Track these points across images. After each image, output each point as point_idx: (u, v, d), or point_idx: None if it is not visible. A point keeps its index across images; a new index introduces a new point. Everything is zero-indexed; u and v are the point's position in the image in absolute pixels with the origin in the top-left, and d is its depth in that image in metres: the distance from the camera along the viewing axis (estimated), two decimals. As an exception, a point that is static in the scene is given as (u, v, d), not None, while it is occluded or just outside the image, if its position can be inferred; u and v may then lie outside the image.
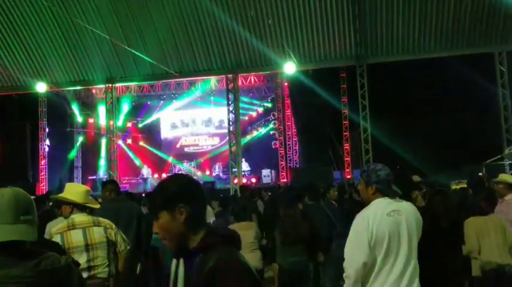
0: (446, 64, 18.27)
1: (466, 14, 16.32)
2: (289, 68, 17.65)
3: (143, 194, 11.55)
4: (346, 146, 21.06)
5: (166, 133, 27.12)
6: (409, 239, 3.25)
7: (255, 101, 25.25)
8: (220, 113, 24.90)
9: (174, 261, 2.09)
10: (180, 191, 2.02)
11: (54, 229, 4.47)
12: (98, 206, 4.69)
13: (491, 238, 5.27)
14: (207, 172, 24.94)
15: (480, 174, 12.73)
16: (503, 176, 6.36)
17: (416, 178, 8.10)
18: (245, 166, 22.18)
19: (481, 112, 19.31)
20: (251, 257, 5.82)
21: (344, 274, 3.29)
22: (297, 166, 23.69)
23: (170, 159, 26.14)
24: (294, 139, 24.45)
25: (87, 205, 4.50)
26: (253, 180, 22.01)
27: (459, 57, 17.53)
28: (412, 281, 3.23)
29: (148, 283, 7.13)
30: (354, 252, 3.22)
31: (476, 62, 17.55)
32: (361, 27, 16.95)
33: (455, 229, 5.10)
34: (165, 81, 22.53)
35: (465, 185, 9.32)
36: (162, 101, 26.16)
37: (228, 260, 1.89)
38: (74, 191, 4.53)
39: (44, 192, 19.26)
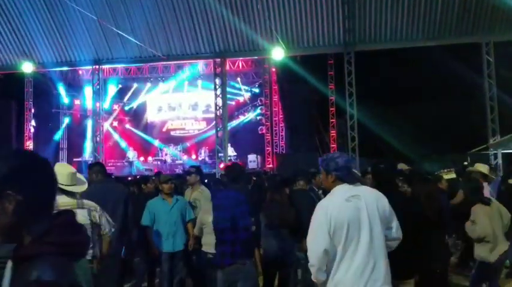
0: (434, 53, 18.36)
1: (455, 3, 16.39)
2: (277, 53, 17.60)
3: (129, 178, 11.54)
4: (333, 132, 21.15)
5: (152, 116, 26.99)
6: (371, 224, 3.26)
7: (242, 86, 25.18)
8: (207, 98, 24.86)
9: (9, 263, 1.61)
10: (10, 175, 1.54)
11: None
12: (81, 189, 4.59)
13: (498, 223, 5.54)
14: (193, 156, 24.92)
15: (465, 163, 12.86)
16: (478, 166, 6.51)
17: (402, 166, 8.22)
18: (231, 151, 22.20)
19: (467, 102, 19.48)
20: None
21: (308, 263, 3.33)
22: (283, 151, 23.76)
23: (156, 142, 26.07)
24: (281, 125, 24.49)
25: (69, 189, 4.45)
26: (240, 165, 22.03)
27: (446, 47, 17.62)
28: (377, 266, 3.24)
29: (132, 264, 7.19)
30: (315, 241, 3.26)
31: (463, 51, 17.67)
32: (349, 14, 16.95)
33: (439, 215, 5.19)
34: (152, 64, 22.35)
35: (454, 174, 9.41)
36: (149, 84, 25.99)
37: (46, 283, 1.41)
38: (60, 172, 4.51)
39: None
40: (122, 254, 6.43)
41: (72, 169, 4.65)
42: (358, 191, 3.35)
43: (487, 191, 6.04)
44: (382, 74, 20.95)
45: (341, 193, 3.34)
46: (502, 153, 15.49)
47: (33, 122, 22.82)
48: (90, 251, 4.47)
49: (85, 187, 4.64)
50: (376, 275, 3.22)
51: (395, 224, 3.44)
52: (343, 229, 3.21)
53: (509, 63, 18.58)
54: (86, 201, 4.60)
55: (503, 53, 17.28)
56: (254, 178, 11.71)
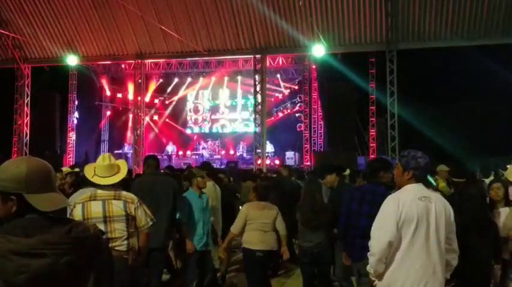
0: (477, 52, 17.90)
1: (502, 3, 15.92)
2: (318, 50, 17.49)
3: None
4: (372, 131, 20.89)
5: (192, 111, 27.26)
6: (437, 227, 3.28)
7: (282, 83, 25.14)
8: (246, 94, 24.98)
9: None
10: None
11: (78, 199, 4.60)
12: (114, 181, 4.60)
13: None
14: (231, 151, 25.07)
15: (508, 166, 12.48)
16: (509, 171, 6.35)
17: (443, 167, 8.07)
18: (269, 147, 22.23)
19: (510, 102, 18.92)
20: (261, 238, 5.82)
21: (369, 252, 3.36)
22: (321, 149, 23.63)
23: (195, 137, 26.35)
24: (320, 123, 24.33)
25: (102, 182, 4.53)
26: (277, 161, 22.05)
27: (491, 46, 17.15)
28: (437, 270, 3.27)
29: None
30: (381, 231, 3.28)
31: (507, 51, 17.18)
32: (392, 12, 16.69)
33: (487, 217, 5.07)
34: (193, 59, 22.58)
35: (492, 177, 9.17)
36: (189, 79, 26.25)
37: None
38: (98, 164, 4.61)
39: (71, 164, 19.66)
40: (170, 248, 6.42)
41: (111, 160, 4.68)
42: (430, 194, 3.38)
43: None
44: (424, 73, 20.58)
45: (414, 190, 3.36)
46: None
47: (76, 114, 23.44)
48: (125, 243, 4.49)
49: (118, 178, 4.65)
50: (434, 279, 3.25)
51: (453, 236, 3.45)
52: (412, 224, 3.24)
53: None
54: (124, 193, 4.65)
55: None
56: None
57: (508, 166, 7.11)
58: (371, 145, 20.80)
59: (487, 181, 7.96)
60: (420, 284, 3.22)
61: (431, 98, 20.40)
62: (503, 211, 5.43)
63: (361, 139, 21.29)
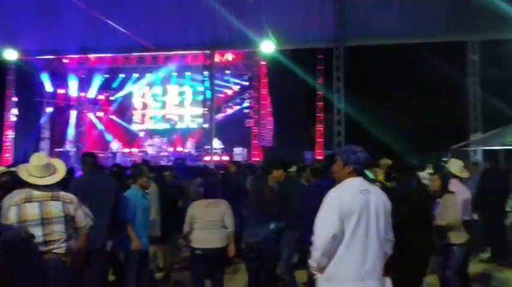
0: (421, 50, 18.42)
1: (443, 2, 16.41)
2: (267, 47, 17.52)
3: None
4: (319, 127, 21.16)
5: (138, 107, 26.73)
6: (377, 219, 3.38)
7: (231, 79, 25.04)
8: (195, 89, 24.73)
9: None
10: None
11: (13, 200, 4.38)
12: (52, 181, 4.42)
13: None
14: (179, 148, 24.75)
15: (445, 159, 12.90)
16: (450, 164, 6.60)
17: (386, 161, 8.19)
18: (217, 144, 22.09)
19: (451, 99, 19.58)
20: (205, 236, 5.79)
21: (313, 247, 3.36)
22: (270, 145, 23.72)
23: (141, 134, 25.85)
24: (269, 118, 24.43)
25: (38, 182, 4.34)
26: (226, 158, 21.96)
27: (433, 45, 17.69)
28: (377, 261, 3.36)
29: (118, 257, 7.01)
30: (324, 225, 3.30)
31: (449, 49, 17.77)
32: (340, 9, 16.91)
33: (421, 208, 5.18)
34: (140, 54, 22.14)
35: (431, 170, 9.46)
36: (136, 74, 25.71)
37: None
38: (33, 164, 4.41)
39: (9, 163, 18.85)
40: (109, 247, 6.23)
41: (47, 160, 4.49)
42: (369, 187, 3.49)
43: (457, 187, 6.11)
44: (371, 70, 21.00)
45: (355, 184, 3.44)
46: (482, 150, 15.60)
47: (15, 111, 22.45)
48: (64, 245, 4.31)
49: (57, 178, 4.48)
50: (374, 270, 3.33)
51: (389, 226, 3.55)
52: (354, 217, 3.30)
53: (494, 63, 18.73)
54: (62, 193, 4.46)
55: (488, 52, 17.40)
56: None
57: (446, 159, 7.34)
58: (318, 140, 21.06)
59: (425, 173, 8.21)
60: (360, 276, 3.28)
61: (377, 94, 20.86)
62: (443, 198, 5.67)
63: (309, 134, 21.53)
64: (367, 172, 3.58)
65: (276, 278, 6.17)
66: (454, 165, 6.58)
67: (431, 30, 17.06)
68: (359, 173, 3.49)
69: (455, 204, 5.73)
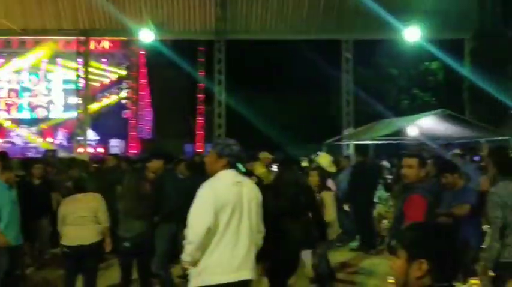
0: (300, 47, 19.07)
1: (321, 1, 17.08)
2: (146, 36, 16.96)
3: None
4: (200, 119, 21.08)
5: (4, 95, 24.64)
6: (249, 211, 3.43)
7: (108, 68, 24.00)
8: (67, 77, 23.30)
9: None
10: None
11: None
12: None
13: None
14: (49, 139, 23.22)
15: (318, 153, 13.48)
16: (320, 158, 6.87)
17: (265, 154, 8.29)
18: (92, 135, 21.07)
19: (327, 94, 20.55)
20: (73, 232, 5.52)
21: (186, 241, 3.30)
22: (149, 137, 23.18)
23: (6, 123, 23.84)
24: (147, 110, 23.84)
25: None
26: (101, 150, 21.03)
27: (311, 42, 18.40)
28: (250, 250, 3.42)
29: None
30: (199, 218, 3.26)
31: (325, 47, 18.62)
32: (222, 2, 16.89)
33: (296, 201, 5.27)
34: (6, 37, 20.41)
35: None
36: (1, 59, 23.68)
37: None
38: None
39: None
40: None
41: None
42: (242, 179, 3.54)
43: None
44: (252, 64, 21.34)
45: (228, 177, 3.46)
46: (354, 144, 16.51)
47: None
48: None
49: None
50: (246, 261, 3.37)
51: (260, 217, 3.59)
52: (228, 210, 3.31)
53: (366, 61, 19.96)
54: None
55: (361, 51, 18.48)
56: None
57: (319, 153, 7.58)
58: (199, 132, 20.97)
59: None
60: (233, 267, 3.30)
61: (259, 88, 21.27)
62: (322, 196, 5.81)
63: (190, 127, 21.38)
64: (239, 165, 3.68)
65: (151, 274, 5.96)
66: (323, 159, 6.82)
67: (309, 27, 17.67)
68: (232, 165, 3.51)
69: (332, 202, 5.96)
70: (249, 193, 3.47)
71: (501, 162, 4.47)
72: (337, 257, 8.22)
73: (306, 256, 5.61)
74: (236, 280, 3.30)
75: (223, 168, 3.46)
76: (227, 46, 17.77)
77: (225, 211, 3.28)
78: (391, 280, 3.16)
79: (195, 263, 3.31)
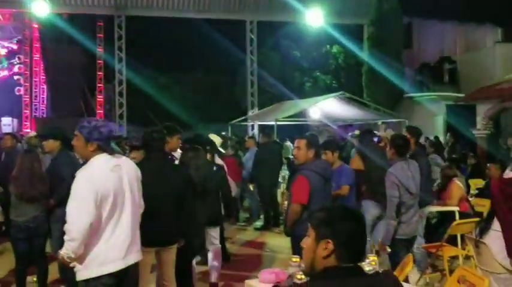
0: (205, 26, 18.86)
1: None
2: (41, 9, 15.84)
3: None
4: (100, 98, 20.25)
5: None
6: (132, 194, 3.28)
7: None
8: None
9: None
10: None
11: None
12: None
13: None
14: None
15: (223, 133, 13.51)
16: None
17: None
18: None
19: (232, 74, 20.53)
20: None
21: (67, 237, 3.05)
22: (44, 115, 21.90)
23: None
24: (42, 87, 22.46)
25: None
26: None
27: (216, 21, 18.24)
28: (136, 234, 3.31)
29: None
30: (80, 214, 3.03)
31: (231, 27, 18.55)
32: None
33: (207, 184, 5.20)
34: None
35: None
36: None
37: None
38: None
39: None
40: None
41: None
42: (119, 162, 3.29)
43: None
44: (154, 41, 20.78)
45: (103, 162, 3.19)
46: (258, 124, 16.70)
47: None
48: None
49: None
50: (133, 244, 3.26)
51: (140, 194, 3.45)
52: (109, 199, 3.11)
53: (270, 43, 20.18)
54: None
55: (265, 32, 18.65)
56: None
57: (210, 135, 7.55)
58: (99, 111, 20.17)
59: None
60: (121, 253, 3.18)
61: (162, 66, 20.78)
62: None
63: (89, 105, 20.47)
64: (113, 145, 3.45)
65: (46, 258, 5.63)
66: (215, 140, 6.85)
67: (212, 7, 17.50)
68: (104, 149, 3.22)
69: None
70: (129, 172, 3.29)
71: (398, 145, 4.68)
72: (242, 236, 8.29)
73: (215, 233, 5.52)
74: (125, 266, 3.19)
75: (94, 153, 3.19)
76: (128, 22, 17.16)
77: (106, 201, 3.08)
78: (294, 258, 3.21)
79: (78, 257, 3.10)
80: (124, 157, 3.55)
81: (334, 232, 1.85)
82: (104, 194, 3.08)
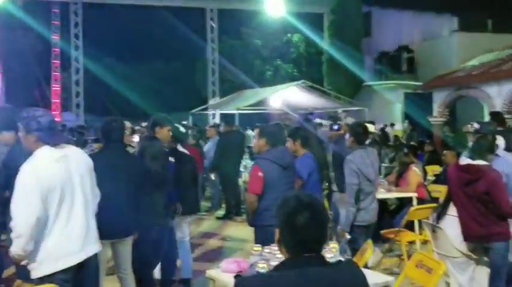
0: (164, 14, 18.58)
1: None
2: (-8, -7, 15.27)
3: None
4: (56, 87, 19.67)
5: None
6: (82, 184, 3.15)
7: None
8: None
9: None
10: None
11: None
12: None
13: None
14: None
15: (184, 122, 13.37)
16: None
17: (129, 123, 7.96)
18: None
19: (192, 63, 20.32)
20: None
21: (14, 234, 2.92)
22: (-2, 105, 21.20)
23: None
24: (-5, 75, 21.71)
25: None
26: None
27: (176, 9, 17.99)
28: (91, 225, 3.20)
29: None
30: (25, 209, 2.90)
31: (190, 15, 18.35)
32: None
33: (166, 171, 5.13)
34: None
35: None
36: None
37: None
38: None
39: None
40: None
41: None
42: (66, 152, 3.13)
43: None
44: (112, 29, 20.34)
45: (48, 154, 3.04)
46: (220, 113, 16.62)
47: None
48: None
49: None
50: (90, 235, 3.18)
51: (95, 183, 3.33)
52: (57, 192, 2.97)
53: (231, 31, 20.04)
54: None
55: (226, 21, 18.52)
56: None
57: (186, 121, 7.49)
58: (55, 101, 19.60)
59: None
60: (77, 246, 3.08)
61: (121, 54, 20.37)
62: None
63: (44, 94, 19.90)
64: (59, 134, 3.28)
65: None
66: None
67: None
68: (45, 141, 3.05)
69: None
70: (78, 163, 3.16)
71: (357, 133, 4.74)
72: (204, 225, 8.24)
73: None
74: (84, 258, 3.10)
75: (36, 145, 3.04)
76: (86, 10, 16.73)
77: (53, 194, 2.95)
78: (256, 248, 3.20)
79: (29, 255, 2.98)
80: (73, 147, 3.38)
81: (278, 221, 1.86)
82: (50, 186, 2.95)
